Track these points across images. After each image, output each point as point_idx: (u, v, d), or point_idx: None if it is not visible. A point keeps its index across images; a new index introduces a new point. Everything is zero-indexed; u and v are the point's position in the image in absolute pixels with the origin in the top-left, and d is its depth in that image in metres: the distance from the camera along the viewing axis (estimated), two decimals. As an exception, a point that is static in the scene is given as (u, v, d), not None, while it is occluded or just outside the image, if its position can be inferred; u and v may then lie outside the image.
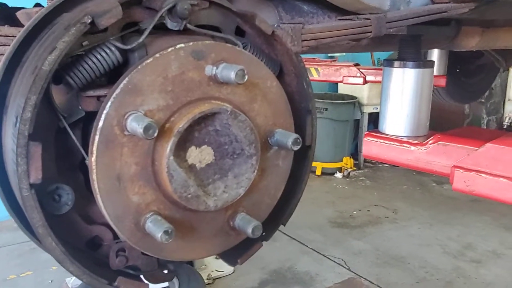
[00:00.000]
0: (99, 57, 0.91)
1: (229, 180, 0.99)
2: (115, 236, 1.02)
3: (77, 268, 0.91)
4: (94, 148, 0.85)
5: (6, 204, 0.99)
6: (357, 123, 7.48)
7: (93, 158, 0.85)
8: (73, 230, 0.98)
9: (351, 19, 1.68)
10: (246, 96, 1.00)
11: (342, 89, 7.48)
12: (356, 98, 7.18)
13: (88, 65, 0.91)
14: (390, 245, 5.04)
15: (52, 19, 0.98)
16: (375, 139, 2.24)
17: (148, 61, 0.88)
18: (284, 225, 1.20)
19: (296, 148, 1.02)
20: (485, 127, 7.00)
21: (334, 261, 4.72)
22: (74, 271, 0.91)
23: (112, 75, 0.97)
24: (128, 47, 0.93)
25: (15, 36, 1.17)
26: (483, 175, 1.83)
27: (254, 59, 1.02)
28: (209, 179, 0.97)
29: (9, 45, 1.16)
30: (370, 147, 2.26)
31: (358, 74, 3.92)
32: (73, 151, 0.98)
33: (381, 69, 3.89)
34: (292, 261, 4.70)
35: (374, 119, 7.57)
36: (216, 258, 4.68)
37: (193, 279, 3.61)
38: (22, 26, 1.35)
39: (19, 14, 1.33)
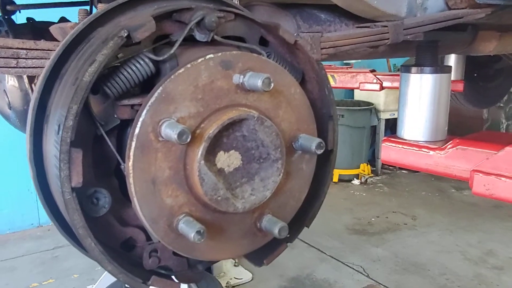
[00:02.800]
0: (134, 68, 0.97)
1: (256, 183, 1.03)
2: (148, 238, 1.08)
3: (114, 267, 0.96)
4: (131, 154, 0.91)
5: (46, 208, 1.05)
6: (373, 129, 7.46)
7: (130, 163, 0.91)
8: (109, 232, 1.03)
9: (368, 27, 1.71)
10: (272, 103, 1.05)
11: (358, 95, 7.48)
12: (372, 104, 7.17)
13: (124, 76, 0.97)
14: (410, 252, 4.99)
15: (88, 34, 1.05)
16: (393, 144, 2.25)
17: (180, 71, 0.93)
18: (308, 227, 1.24)
19: (319, 152, 1.06)
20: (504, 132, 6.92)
21: (353, 268, 4.70)
22: (112, 270, 0.96)
23: (144, 85, 1.03)
24: (161, 58, 0.99)
25: (51, 50, 1.24)
26: (503, 178, 1.83)
27: (278, 68, 1.07)
28: (237, 183, 1.02)
29: (45, 59, 1.23)
30: (389, 152, 2.28)
31: (375, 80, 3.93)
32: (108, 157, 1.04)
33: (397, 75, 3.91)
34: (311, 268, 4.69)
35: (391, 125, 7.54)
36: (235, 265, 4.74)
37: (212, 286, 3.65)
38: (55, 40, 1.43)
39: (52, 29, 1.40)
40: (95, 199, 0.99)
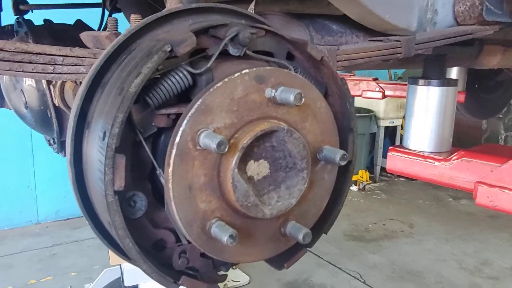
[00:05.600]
0: (173, 80, 1.03)
1: (282, 191, 1.09)
2: (177, 239, 1.13)
3: (148, 267, 1.02)
4: (171, 161, 0.96)
5: (82, 209, 1.11)
6: (373, 136, 7.55)
7: (170, 169, 0.97)
8: (143, 233, 1.09)
9: (381, 40, 1.77)
10: (299, 115, 1.11)
11: (358, 102, 7.56)
12: (372, 111, 7.26)
13: (165, 87, 1.03)
14: (406, 260, 5.07)
15: (127, 45, 1.11)
16: (399, 154, 2.32)
17: (219, 84, 0.99)
18: (326, 234, 1.30)
19: (343, 163, 1.12)
20: (502, 143, 7.02)
21: (350, 274, 4.76)
22: (146, 269, 1.02)
23: (179, 95, 1.09)
24: (198, 71, 1.05)
25: (86, 57, 1.30)
26: (507, 191, 1.90)
27: (306, 82, 1.13)
28: (264, 190, 1.08)
29: (80, 65, 1.29)
30: (394, 161, 2.35)
31: (377, 89, 3.99)
32: (144, 162, 1.09)
33: (399, 84, 3.98)
34: (308, 273, 4.75)
35: (390, 133, 7.63)
36: (233, 268, 4.78)
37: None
38: (78, 43, 1.48)
39: (84, 36, 1.45)
40: (132, 202, 1.05)
